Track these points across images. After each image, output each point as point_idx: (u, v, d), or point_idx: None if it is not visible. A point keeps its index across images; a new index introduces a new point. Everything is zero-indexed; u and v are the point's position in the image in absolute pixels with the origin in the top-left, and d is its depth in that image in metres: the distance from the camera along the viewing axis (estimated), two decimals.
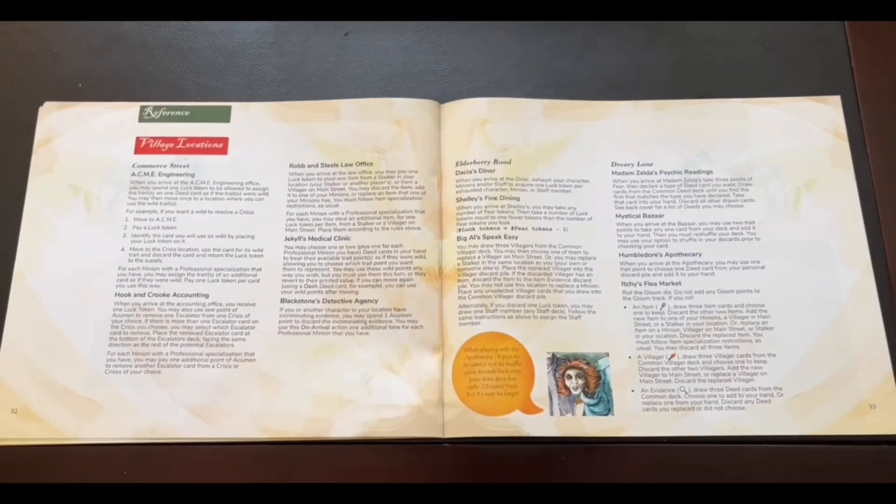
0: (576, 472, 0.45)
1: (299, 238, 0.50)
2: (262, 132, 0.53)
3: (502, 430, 0.46)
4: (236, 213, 0.51)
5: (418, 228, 0.50)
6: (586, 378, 0.47)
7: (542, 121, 0.52)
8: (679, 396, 0.46)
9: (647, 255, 0.50)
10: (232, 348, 0.48)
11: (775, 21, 0.55)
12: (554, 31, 0.56)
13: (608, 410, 0.46)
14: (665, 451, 0.46)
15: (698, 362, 0.47)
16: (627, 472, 0.45)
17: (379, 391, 0.47)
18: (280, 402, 0.46)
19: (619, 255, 0.50)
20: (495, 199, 0.50)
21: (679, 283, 0.49)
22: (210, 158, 0.52)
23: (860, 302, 0.48)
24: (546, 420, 0.46)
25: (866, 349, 0.47)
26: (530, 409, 0.46)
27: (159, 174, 0.52)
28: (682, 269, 0.49)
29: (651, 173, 0.51)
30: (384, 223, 0.50)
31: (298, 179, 0.52)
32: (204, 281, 0.49)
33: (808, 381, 0.46)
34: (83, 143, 0.52)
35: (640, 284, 0.49)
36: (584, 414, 0.46)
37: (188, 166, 0.52)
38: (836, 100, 0.53)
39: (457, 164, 0.51)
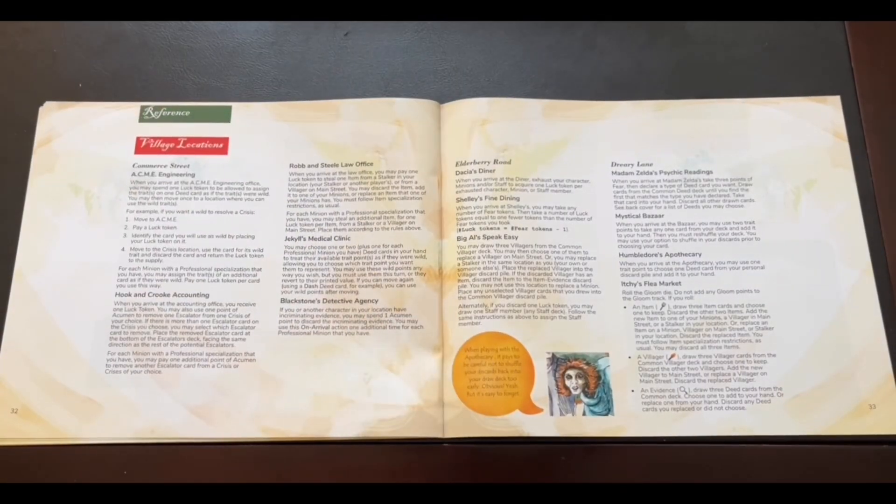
0: (576, 472, 0.45)
1: (299, 238, 0.50)
2: (263, 132, 0.53)
3: (502, 430, 0.46)
4: (236, 213, 0.51)
5: (418, 228, 0.50)
6: (586, 378, 0.47)
7: (542, 121, 0.52)
8: (679, 396, 0.46)
9: (647, 255, 0.50)
10: (232, 348, 0.48)
11: (775, 21, 0.55)
12: (554, 31, 0.56)
13: (608, 410, 0.46)
14: (665, 451, 0.46)
15: (698, 362, 0.47)
16: (627, 472, 0.45)
17: (379, 391, 0.47)
18: (280, 401, 0.46)
19: (619, 255, 0.50)
20: (495, 199, 0.50)
21: (679, 283, 0.49)
22: (210, 158, 0.52)
23: (860, 302, 0.48)
24: (546, 420, 0.46)
25: (866, 349, 0.47)
26: (530, 409, 0.46)
27: (159, 174, 0.52)
28: (682, 269, 0.49)
29: (651, 173, 0.51)
30: (384, 223, 0.50)
31: (298, 179, 0.52)
32: (204, 281, 0.49)
33: (807, 381, 0.46)
34: (83, 143, 0.52)
35: (640, 284, 0.49)
36: (584, 414, 0.46)
37: (188, 166, 0.52)
38: (836, 100, 0.53)
39: (457, 164, 0.51)
